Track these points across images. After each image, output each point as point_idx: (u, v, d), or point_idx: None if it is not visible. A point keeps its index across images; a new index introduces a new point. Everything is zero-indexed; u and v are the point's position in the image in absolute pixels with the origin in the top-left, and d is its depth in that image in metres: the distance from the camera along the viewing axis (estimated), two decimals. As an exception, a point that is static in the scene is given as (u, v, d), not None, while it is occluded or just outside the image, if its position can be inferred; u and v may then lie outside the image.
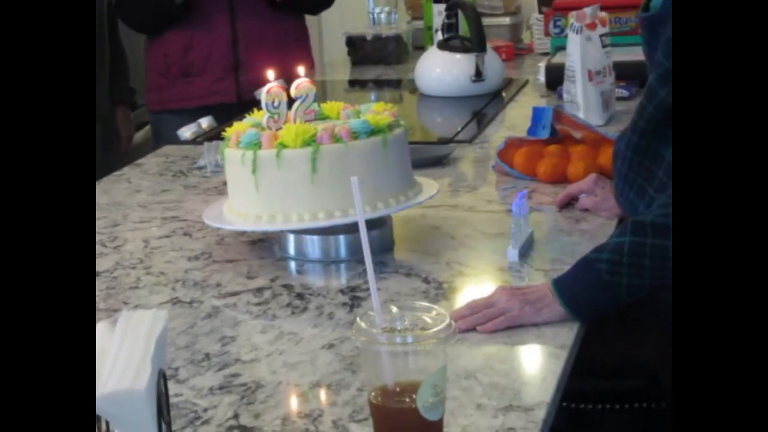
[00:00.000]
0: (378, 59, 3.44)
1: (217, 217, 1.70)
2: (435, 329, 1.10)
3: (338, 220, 1.58)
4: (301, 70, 1.68)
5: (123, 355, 0.95)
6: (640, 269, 1.36)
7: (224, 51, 2.98)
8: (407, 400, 1.06)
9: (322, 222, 1.58)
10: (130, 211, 1.98)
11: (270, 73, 1.65)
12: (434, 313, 1.13)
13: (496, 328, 1.36)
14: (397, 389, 1.08)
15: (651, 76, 1.55)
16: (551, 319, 1.38)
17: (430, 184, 1.74)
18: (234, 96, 2.97)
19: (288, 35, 3.09)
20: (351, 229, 1.63)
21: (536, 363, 1.32)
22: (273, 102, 1.64)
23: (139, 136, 3.65)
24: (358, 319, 1.13)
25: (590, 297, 1.39)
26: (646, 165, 1.54)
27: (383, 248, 1.67)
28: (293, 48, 3.08)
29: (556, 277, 1.44)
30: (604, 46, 2.39)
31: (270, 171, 1.59)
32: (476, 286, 1.55)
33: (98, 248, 1.77)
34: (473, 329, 1.36)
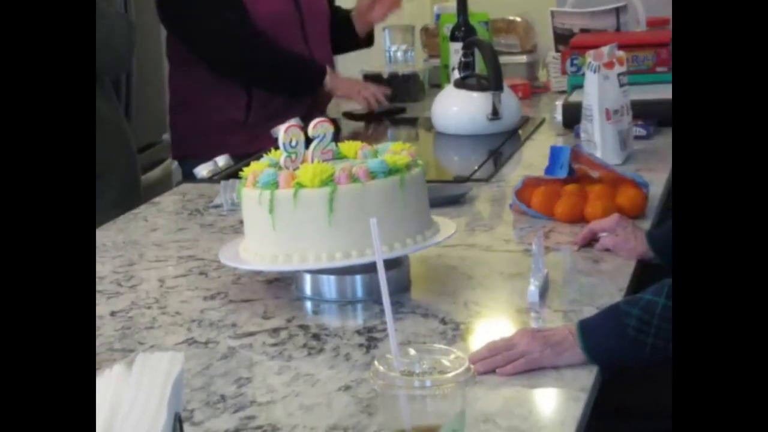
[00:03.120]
0: (394, 97, 3.43)
1: (233, 256, 1.70)
2: (454, 373, 1.09)
3: (355, 260, 1.57)
4: None
5: (139, 399, 0.94)
6: (668, 333, 1.34)
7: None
8: (425, 444, 1.05)
9: (339, 262, 1.58)
10: (146, 250, 1.98)
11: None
12: (453, 356, 1.12)
13: (515, 371, 1.34)
14: (415, 434, 1.07)
15: None
16: (572, 363, 1.36)
17: (447, 224, 1.73)
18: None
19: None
20: (367, 269, 1.62)
21: (556, 406, 1.31)
22: (290, 141, 1.64)
23: (156, 173, 3.65)
24: (375, 362, 1.12)
25: (613, 348, 1.37)
26: None
27: (400, 288, 1.66)
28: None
29: (582, 319, 1.42)
30: (621, 85, 2.39)
31: (287, 211, 1.58)
32: (494, 327, 1.54)
33: (114, 287, 1.76)
34: (492, 371, 1.35)
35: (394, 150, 1.68)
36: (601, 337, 1.37)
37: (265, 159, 1.71)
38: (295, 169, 1.62)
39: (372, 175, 1.58)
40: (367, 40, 3.29)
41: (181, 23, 2.93)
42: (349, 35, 3.22)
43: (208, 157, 2.61)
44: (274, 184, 1.60)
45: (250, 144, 2.76)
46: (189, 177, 2.57)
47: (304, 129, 1.67)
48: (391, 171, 1.60)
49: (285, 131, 1.63)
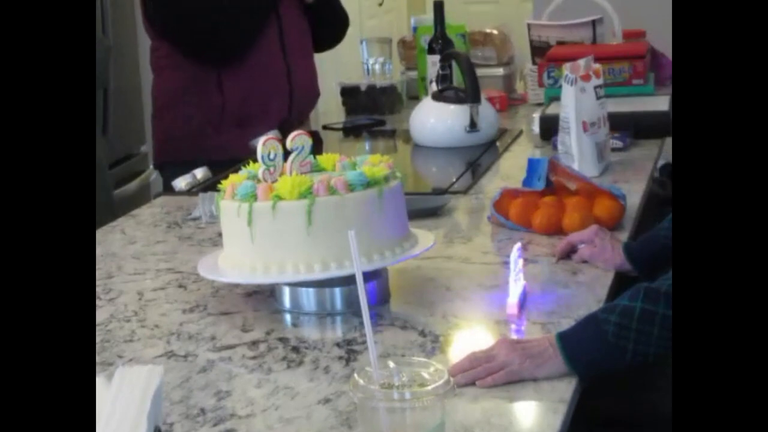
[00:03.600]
0: (372, 109, 3.45)
1: (212, 268, 1.69)
2: (433, 385, 1.09)
3: (334, 272, 1.57)
4: None
5: (118, 412, 0.94)
6: (648, 337, 1.35)
7: (282, 102, 2.95)
8: (405, 457, 1.05)
9: (318, 274, 1.58)
10: (125, 263, 1.97)
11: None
12: (432, 368, 1.13)
13: (495, 383, 1.34)
14: (395, 446, 1.07)
15: None
16: (552, 374, 1.36)
17: (425, 236, 1.74)
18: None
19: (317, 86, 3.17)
20: (347, 281, 1.62)
21: (535, 418, 1.31)
22: (269, 154, 1.64)
23: (133, 185, 3.65)
24: (355, 374, 1.12)
25: (594, 356, 1.37)
26: None
27: (379, 300, 1.67)
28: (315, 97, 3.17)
29: (560, 331, 1.42)
30: (598, 98, 2.40)
31: (266, 223, 1.58)
32: (472, 339, 1.54)
33: (92, 300, 1.76)
34: (472, 383, 1.35)
35: (373, 162, 1.68)
36: (582, 346, 1.37)
37: (244, 171, 1.71)
38: (273, 182, 1.62)
39: (350, 187, 1.59)
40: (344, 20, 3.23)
41: (171, 20, 2.89)
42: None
43: (185, 162, 2.60)
44: (253, 197, 1.60)
45: (226, 149, 2.78)
46: (170, 187, 2.57)
47: (283, 141, 1.67)
48: (369, 183, 1.61)
49: (263, 143, 1.63)
